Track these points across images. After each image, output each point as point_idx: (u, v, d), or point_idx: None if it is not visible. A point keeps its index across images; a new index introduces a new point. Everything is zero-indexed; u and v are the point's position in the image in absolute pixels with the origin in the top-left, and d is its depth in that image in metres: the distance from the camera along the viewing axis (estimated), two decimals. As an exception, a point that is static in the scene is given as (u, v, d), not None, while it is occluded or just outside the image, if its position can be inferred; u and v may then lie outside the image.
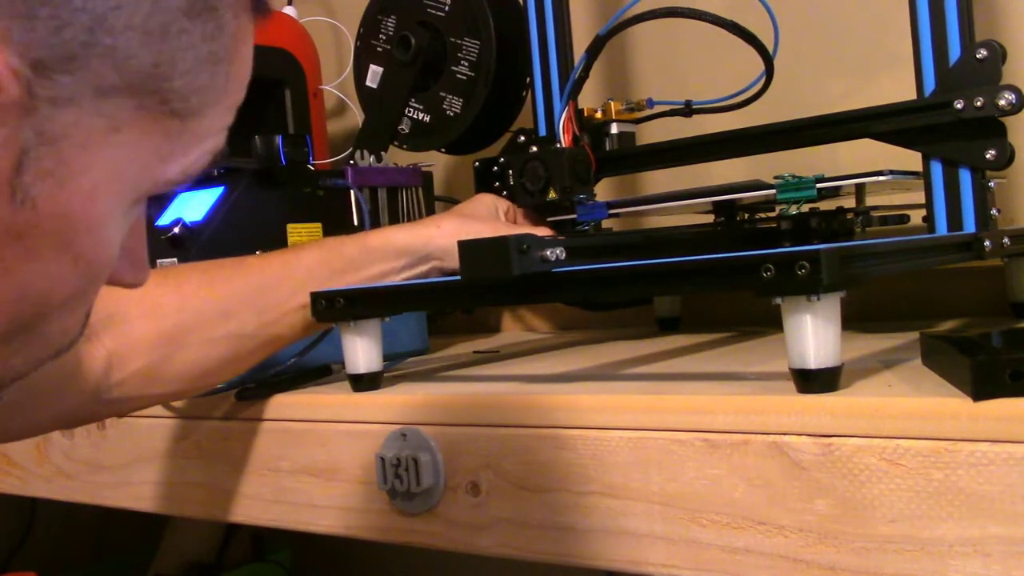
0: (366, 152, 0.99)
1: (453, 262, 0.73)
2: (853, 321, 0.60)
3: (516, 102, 0.98)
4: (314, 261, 0.74)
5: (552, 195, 0.84)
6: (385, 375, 0.71)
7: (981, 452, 0.45)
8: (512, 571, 0.98)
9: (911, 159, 0.72)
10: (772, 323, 0.54)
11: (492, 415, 0.61)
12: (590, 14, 1.09)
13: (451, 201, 1.05)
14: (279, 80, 1.13)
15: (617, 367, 0.74)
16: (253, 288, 0.72)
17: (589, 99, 0.90)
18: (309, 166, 0.94)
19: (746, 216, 0.87)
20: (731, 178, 0.86)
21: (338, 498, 0.69)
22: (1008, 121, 0.67)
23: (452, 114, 0.97)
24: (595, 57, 0.83)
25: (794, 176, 0.74)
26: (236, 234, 0.89)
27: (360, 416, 0.68)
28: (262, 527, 0.76)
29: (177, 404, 0.79)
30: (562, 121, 0.85)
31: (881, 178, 0.71)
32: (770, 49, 0.79)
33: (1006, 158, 0.67)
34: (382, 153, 1.00)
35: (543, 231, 0.83)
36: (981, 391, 0.45)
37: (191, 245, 0.86)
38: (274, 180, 0.92)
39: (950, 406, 0.46)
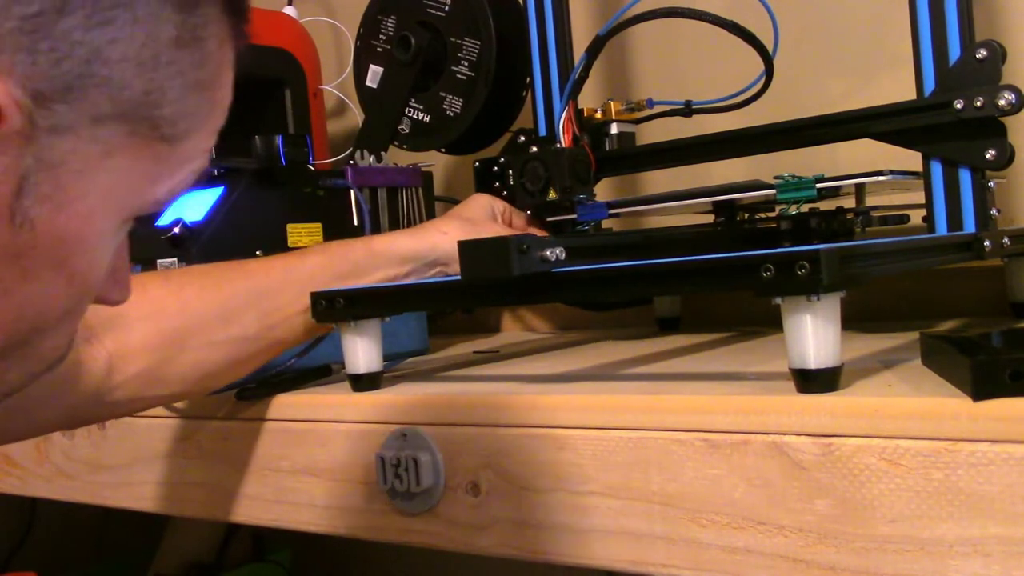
0: (366, 152, 0.99)
1: (458, 267, 0.73)
2: (853, 321, 0.60)
3: (516, 102, 0.98)
4: (317, 265, 0.74)
5: (552, 195, 0.84)
6: (385, 375, 0.71)
7: (981, 452, 0.45)
8: (512, 571, 0.98)
9: (911, 159, 0.72)
10: (772, 323, 0.54)
11: (492, 415, 0.61)
12: (590, 14, 1.09)
13: (451, 201, 1.05)
14: (279, 80, 1.13)
15: (617, 367, 0.74)
16: (255, 291, 0.72)
17: (589, 99, 0.90)
18: (309, 166, 0.94)
19: (746, 216, 0.87)
20: (731, 178, 0.86)
21: (338, 498, 0.69)
22: (1008, 121, 0.67)
23: (452, 114, 0.97)
24: (595, 57, 0.83)
25: (794, 176, 0.74)
26: (236, 234, 0.89)
27: (360, 416, 0.68)
28: (262, 527, 0.76)
29: (178, 404, 0.79)
30: (562, 121, 0.85)
31: (881, 178, 0.71)
32: (770, 49, 0.79)
33: (1006, 158, 0.67)
34: (382, 153, 1.00)
35: (538, 231, 0.83)
36: (981, 391, 0.45)
37: (191, 245, 0.86)
38: (274, 180, 0.92)
39: (950, 406, 0.46)
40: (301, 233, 0.93)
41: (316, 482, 0.70)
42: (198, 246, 0.86)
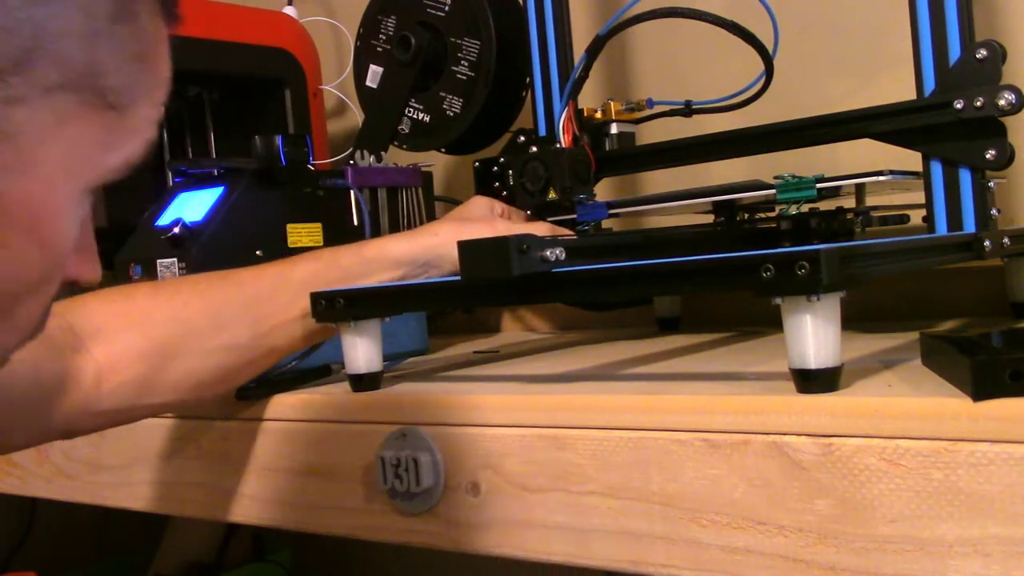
0: (366, 152, 0.99)
1: (453, 269, 0.73)
2: (853, 321, 0.60)
3: (516, 102, 0.98)
4: (309, 273, 0.74)
5: (552, 195, 0.84)
6: (385, 375, 0.71)
7: (981, 452, 0.45)
8: (512, 571, 0.98)
9: (911, 159, 0.72)
10: (772, 323, 0.54)
11: (492, 415, 0.61)
12: (590, 14, 1.09)
13: (451, 201, 1.05)
14: (279, 80, 1.13)
15: (617, 367, 0.74)
16: (246, 299, 0.72)
17: (589, 99, 0.90)
18: (309, 166, 0.94)
19: (746, 216, 0.87)
20: (731, 178, 0.86)
21: (338, 498, 0.69)
22: (1008, 121, 0.67)
23: (452, 114, 0.97)
24: (595, 57, 0.83)
25: (794, 176, 0.74)
26: (236, 234, 0.89)
27: (360, 416, 0.68)
28: (262, 527, 0.76)
29: (177, 404, 0.79)
30: (562, 121, 0.85)
31: (881, 178, 0.71)
32: (770, 49, 0.79)
33: (1006, 158, 0.67)
34: (382, 153, 1.00)
35: (542, 228, 0.83)
36: (981, 391, 0.45)
37: (191, 245, 0.86)
38: (274, 180, 0.92)
39: (950, 406, 0.46)
40: (301, 233, 0.93)
41: (316, 482, 0.70)
42: (198, 246, 0.86)
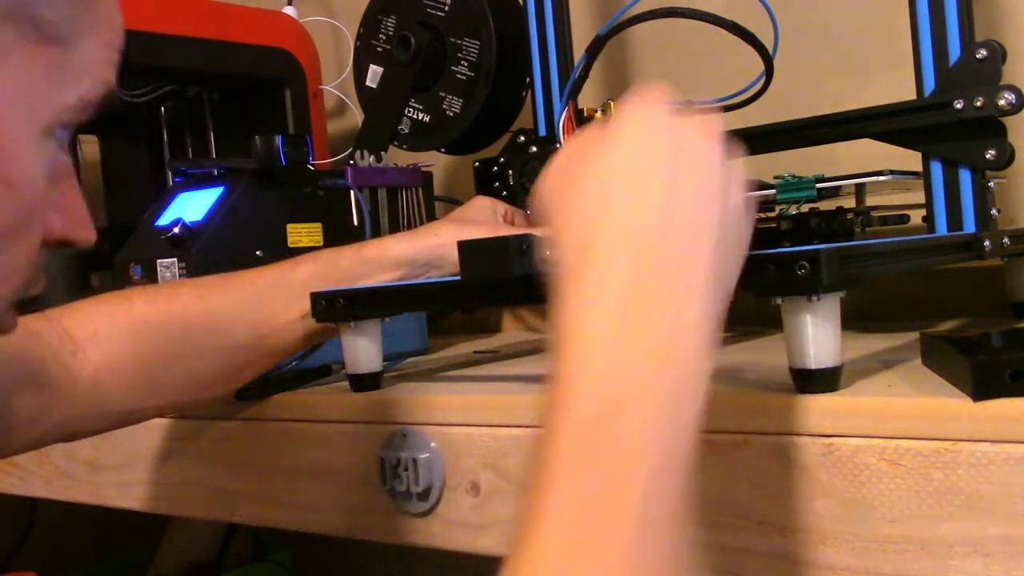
0: (366, 152, 0.99)
1: (453, 269, 0.73)
2: (853, 321, 0.60)
3: (516, 102, 0.98)
4: (308, 274, 0.73)
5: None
6: (385, 375, 0.71)
7: (981, 452, 0.45)
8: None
9: (911, 159, 0.72)
10: (772, 323, 0.54)
11: (492, 415, 0.61)
12: (590, 14, 1.09)
13: (451, 201, 1.05)
14: (279, 80, 1.13)
15: (617, 367, 0.74)
16: (245, 301, 0.72)
17: (589, 99, 0.90)
18: (309, 166, 0.94)
19: (746, 216, 0.87)
20: (731, 178, 0.86)
21: (338, 498, 0.69)
22: (1008, 121, 0.67)
23: (452, 114, 0.97)
24: (595, 57, 0.83)
25: (794, 176, 0.74)
26: (236, 234, 0.89)
27: (360, 416, 0.68)
28: (262, 527, 0.76)
29: (177, 404, 0.79)
30: (562, 121, 0.85)
31: (881, 178, 0.71)
32: (770, 49, 0.79)
33: (1006, 158, 0.67)
34: (382, 153, 1.00)
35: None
36: (981, 391, 0.45)
37: (191, 245, 0.86)
38: (274, 180, 0.92)
39: (950, 406, 0.46)
40: (301, 233, 0.93)
41: (316, 482, 0.70)
42: (198, 246, 0.86)
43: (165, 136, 1.16)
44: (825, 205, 0.79)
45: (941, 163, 0.70)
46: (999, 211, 0.71)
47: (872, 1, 0.96)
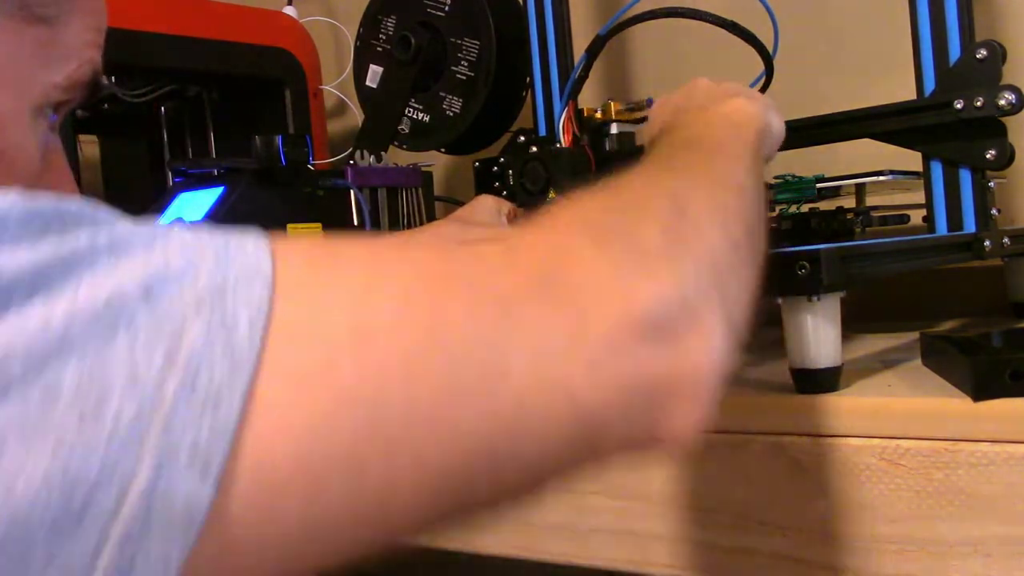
0: (366, 152, 0.99)
1: None
2: (853, 321, 0.60)
3: (516, 102, 0.98)
4: None
5: (552, 195, 0.84)
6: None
7: (981, 452, 0.45)
8: (512, 571, 0.98)
9: (911, 159, 0.72)
10: (772, 323, 0.54)
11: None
12: (590, 14, 1.09)
13: (451, 201, 1.05)
14: (279, 80, 1.13)
15: (617, 367, 0.74)
16: None
17: (589, 99, 0.90)
18: (309, 166, 0.94)
19: (746, 216, 0.87)
20: (731, 178, 0.86)
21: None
22: (1008, 121, 0.67)
23: (452, 114, 0.97)
24: (595, 57, 0.83)
25: (794, 176, 0.74)
26: (236, 234, 0.89)
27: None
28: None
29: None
30: (562, 121, 0.85)
31: (881, 178, 0.71)
32: (770, 49, 0.79)
33: (1006, 158, 0.67)
34: (382, 153, 1.00)
35: None
36: (981, 391, 0.45)
37: (191, 245, 0.86)
38: (274, 180, 0.92)
39: (950, 406, 0.46)
40: (301, 233, 0.93)
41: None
42: (198, 246, 0.86)
43: (165, 136, 1.16)
44: (825, 205, 0.79)
45: (941, 163, 0.70)
46: (999, 211, 0.71)
47: (872, 1, 0.96)
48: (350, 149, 1.00)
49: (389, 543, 0.29)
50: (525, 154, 0.86)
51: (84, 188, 0.45)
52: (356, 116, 1.11)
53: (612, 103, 0.89)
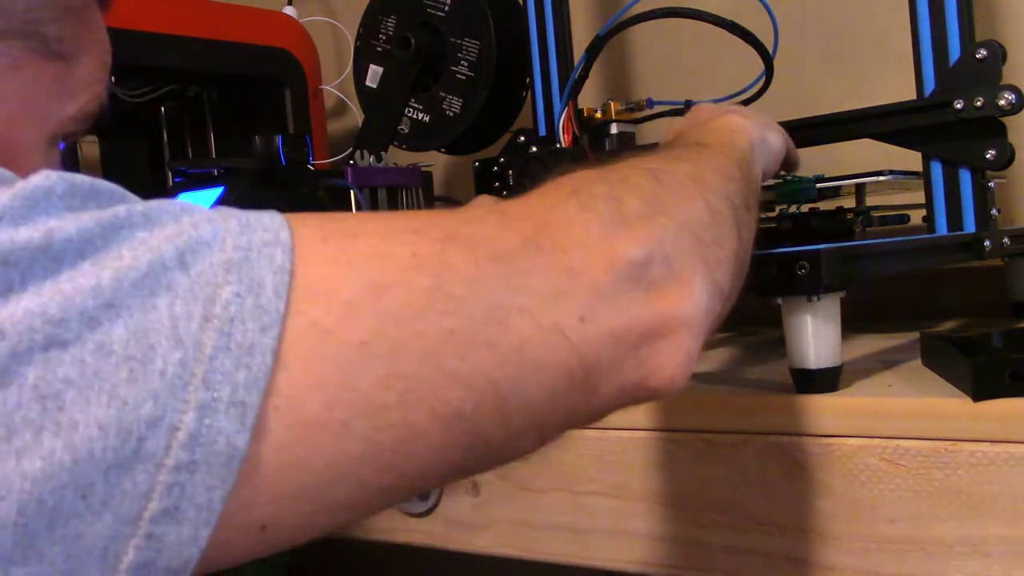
0: (366, 152, 0.99)
1: None
2: (853, 321, 0.60)
3: (516, 102, 0.98)
4: None
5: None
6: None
7: (981, 452, 0.45)
8: (512, 571, 0.98)
9: (911, 159, 0.72)
10: (772, 323, 0.54)
11: (492, 415, 0.61)
12: (590, 14, 1.09)
13: (451, 201, 1.05)
14: (279, 80, 1.13)
15: (617, 367, 0.74)
16: None
17: (589, 99, 0.90)
18: (309, 166, 0.94)
19: (746, 216, 0.87)
20: (731, 178, 0.86)
21: (338, 498, 0.69)
22: (1008, 121, 0.67)
23: (452, 114, 0.97)
24: (595, 57, 0.83)
25: (794, 176, 0.74)
26: (236, 234, 0.88)
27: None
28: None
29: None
30: (562, 121, 0.85)
31: (881, 178, 0.71)
32: (770, 49, 0.79)
33: (1006, 158, 0.67)
34: (382, 153, 1.00)
35: None
36: (981, 391, 0.45)
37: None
38: (274, 180, 0.92)
39: (950, 406, 0.46)
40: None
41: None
42: (198, 246, 0.86)
43: (165, 136, 1.16)
44: (825, 205, 0.79)
45: (941, 163, 0.70)
46: (999, 211, 0.71)
47: (872, 1, 0.96)
48: (350, 149, 1.00)
49: (411, 491, 0.31)
50: (525, 154, 0.86)
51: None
52: (356, 116, 1.11)
53: (612, 103, 0.89)
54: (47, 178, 0.27)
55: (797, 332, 0.51)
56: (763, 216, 0.85)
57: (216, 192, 0.90)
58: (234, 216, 0.29)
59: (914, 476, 0.46)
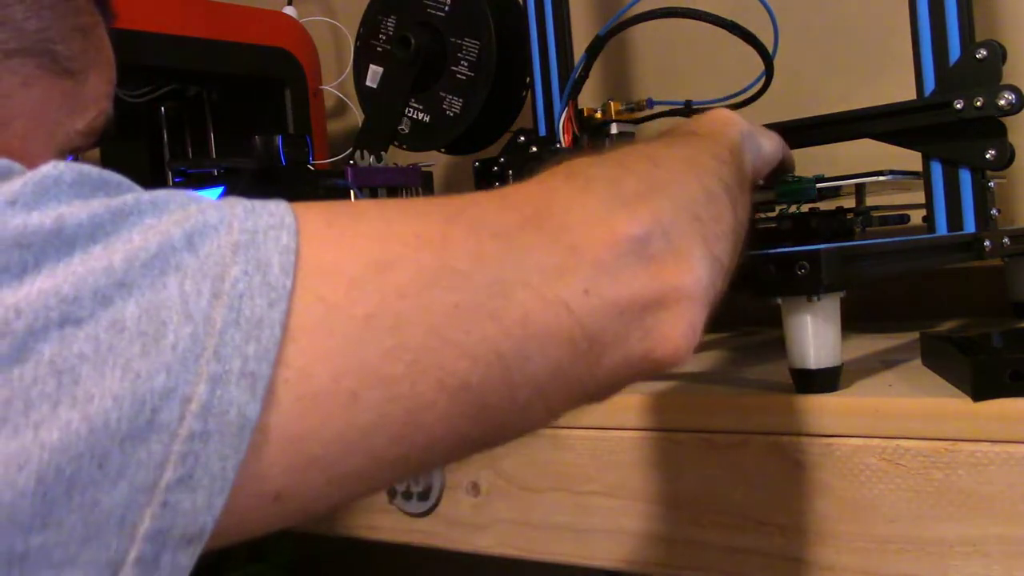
0: (366, 152, 0.99)
1: None
2: (853, 321, 0.60)
3: (516, 102, 0.98)
4: None
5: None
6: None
7: (981, 452, 0.45)
8: (512, 571, 0.98)
9: (911, 159, 0.72)
10: (772, 323, 0.54)
11: (492, 415, 0.61)
12: (590, 14, 1.09)
13: (451, 201, 1.05)
14: (279, 80, 1.13)
15: (617, 367, 0.74)
16: None
17: (589, 99, 0.90)
18: (309, 166, 0.94)
19: (746, 216, 0.87)
20: (731, 178, 0.86)
21: (338, 498, 0.69)
22: (1008, 121, 0.67)
23: (452, 114, 0.97)
24: (595, 57, 0.83)
25: (794, 176, 0.74)
26: (236, 234, 0.88)
27: (360, 416, 0.68)
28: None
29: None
30: (562, 121, 0.85)
31: (881, 178, 0.71)
32: (770, 49, 0.79)
33: (1006, 158, 0.67)
34: (382, 153, 1.00)
35: None
36: (981, 391, 0.45)
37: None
38: (274, 180, 0.92)
39: (950, 406, 0.46)
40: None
41: (316, 482, 0.70)
42: (198, 246, 0.86)
43: (165, 136, 1.16)
44: (825, 205, 0.79)
45: (941, 163, 0.70)
46: (999, 211, 0.71)
47: (872, 1, 0.96)
48: (350, 149, 1.00)
49: (420, 466, 0.32)
50: (525, 154, 0.86)
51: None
52: (356, 116, 1.11)
53: (612, 103, 0.89)
54: (56, 167, 0.28)
55: (797, 332, 0.51)
56: (763, 216, 0.85)
57: (216, 192, 0.90)
58: (240, 203, 0.30)
59: (914, 476, 0.46)
